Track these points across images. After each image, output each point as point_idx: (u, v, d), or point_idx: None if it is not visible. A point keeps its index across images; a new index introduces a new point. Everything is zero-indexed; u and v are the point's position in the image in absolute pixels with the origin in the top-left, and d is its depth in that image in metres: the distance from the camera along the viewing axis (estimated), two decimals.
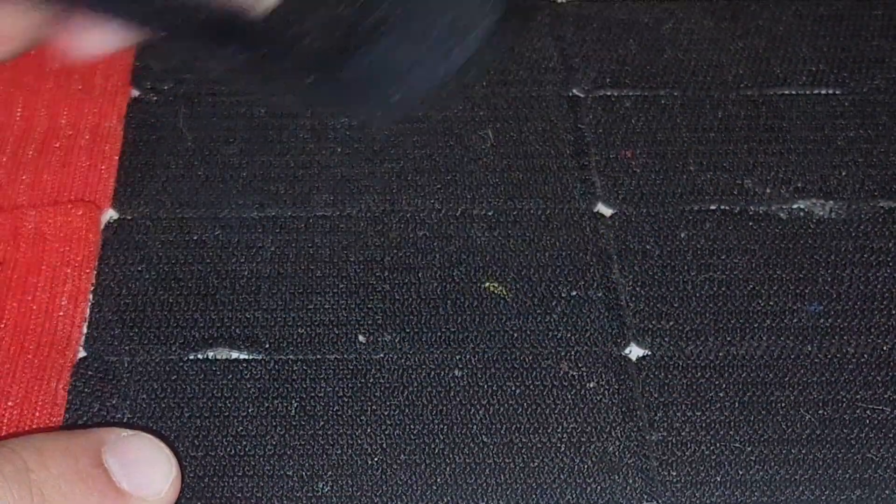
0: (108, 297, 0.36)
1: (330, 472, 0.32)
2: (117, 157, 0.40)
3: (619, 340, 0.35)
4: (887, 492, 0.32)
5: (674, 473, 0.32)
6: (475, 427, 0.33)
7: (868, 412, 0.34)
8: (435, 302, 0.36)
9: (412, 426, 0.33)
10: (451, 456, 0.33)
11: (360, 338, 0.35)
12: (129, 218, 0.38)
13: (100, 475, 0.29)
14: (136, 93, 0.42)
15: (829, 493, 0.32)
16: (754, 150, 0.40)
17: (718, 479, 0.32)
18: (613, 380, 0.34)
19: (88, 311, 0.36)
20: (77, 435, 0.30)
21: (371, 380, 0.34)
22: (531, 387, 0.34)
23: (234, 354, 0.35)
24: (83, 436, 0.29)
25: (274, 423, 0.33)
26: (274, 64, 0.31)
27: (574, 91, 0.43)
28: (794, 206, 0.39)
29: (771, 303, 0.36)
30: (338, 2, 0.30)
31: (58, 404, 0.33)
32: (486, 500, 0.32)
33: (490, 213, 0.39)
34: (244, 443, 0.33)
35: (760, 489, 0.32)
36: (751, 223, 0.38)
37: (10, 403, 0.33)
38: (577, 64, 0.43)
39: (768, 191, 0.39)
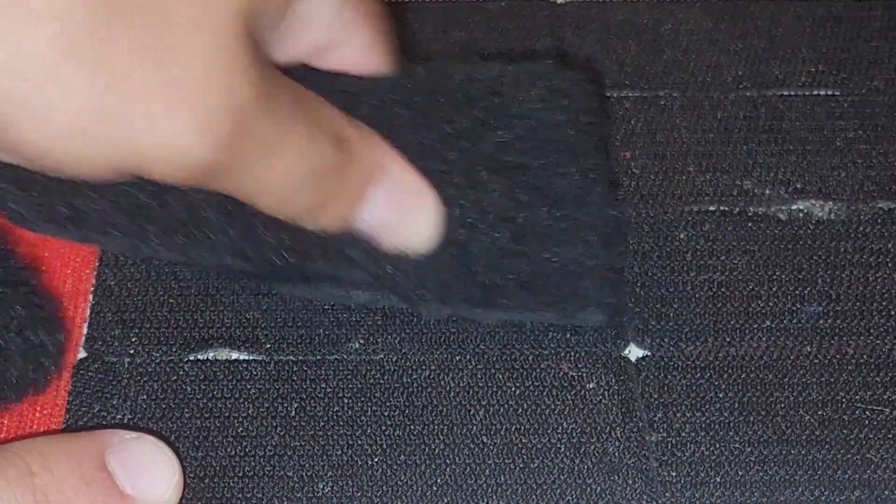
0: (108, 297, 0.36)
1: (330, 473, 0.32)
2: None
3: (618, 341, 0.35)
4: (886, 492, 0.32)
5: (673, 474, 0.32)
6: (475, 427, 0.33)
7: (867, 413, 0.34)
8: None
9: (412, 426, 0.33)
10: (451, 456, 0.33)
11: (355, 344, 0.35)
12: None
13: (103, 479, 0.29)
14: None
15: (828, 494, 0.32)
16: (753, 151, 0.40)
17: (718, 480, 0.32)
18: (613, 380, 0.34)
19: (88, 311, 0.36)
20: (80, 438, 0.30)
21: (371, 380, 0.34)
22: (531, 387, 0.34)
23: (234, 355, 0.35)
24: (86, 439, 0.29)
25: (274, 424, 0.33)
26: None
27: None
28: (794, 207, 0.39)
29: (770, 304, 0.36)
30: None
31: (58, 405, 0.33)
32: (486, 500, 0.32)
33: None
34: (244, 443, 0.33)
35: (760, 490, 0.32)
36: (750, 224, 0.38)
37: None
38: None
39: (767, 192, 0.39)
